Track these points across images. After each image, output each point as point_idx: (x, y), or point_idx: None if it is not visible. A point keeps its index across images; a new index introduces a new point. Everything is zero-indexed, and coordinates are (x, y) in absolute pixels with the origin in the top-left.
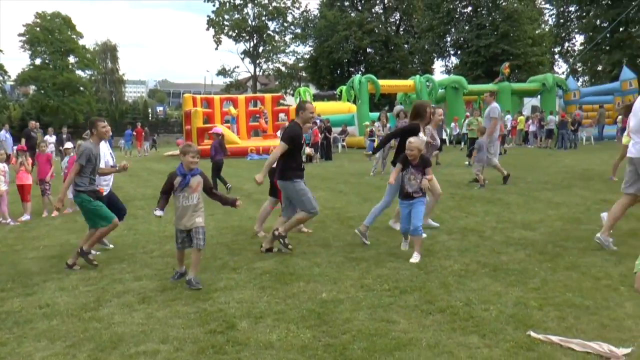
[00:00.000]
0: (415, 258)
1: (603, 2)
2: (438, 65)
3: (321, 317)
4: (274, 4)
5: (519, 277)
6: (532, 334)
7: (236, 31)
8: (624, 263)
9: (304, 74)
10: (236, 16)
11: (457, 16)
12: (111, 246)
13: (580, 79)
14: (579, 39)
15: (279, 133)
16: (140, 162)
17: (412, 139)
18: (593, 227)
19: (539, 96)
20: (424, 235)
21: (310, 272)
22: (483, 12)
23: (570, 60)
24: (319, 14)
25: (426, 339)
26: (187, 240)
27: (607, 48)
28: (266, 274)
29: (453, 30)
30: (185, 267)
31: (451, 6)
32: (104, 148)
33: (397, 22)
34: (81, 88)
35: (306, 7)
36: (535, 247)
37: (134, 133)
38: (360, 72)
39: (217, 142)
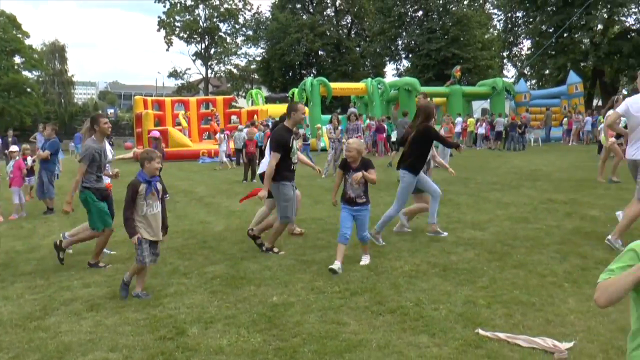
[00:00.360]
0: (364, 260)
1: (548, 8)
2: (390, 68)
3: (272, 321)
4: (225, 5)
5: (468, 277)
6: (481, 331)
7: (187, 32)
8: (568, 260)
9: (256, 76)
10: (187, 17)
11: (408, 20)
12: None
13: (528, 83)
14: (526, 43)
15: (218, 136)
16: None
17: (350, 140)
18: (540, 226)
19: (489, 99)
20: (383, 243)
21: (261, 275)
22: (433, 16)
23: (519, 64)
24: (270, 16)
25: (376, 339)
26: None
27: (553, 53)
28: (217, 279)
29: (404, 33)
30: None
31: (402, 10)
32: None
33: (349, 25)
34: (28, 89)
35: (257, 8)
36: (484, 247)
37: None
38: (312, 75)
39: (154, 146)
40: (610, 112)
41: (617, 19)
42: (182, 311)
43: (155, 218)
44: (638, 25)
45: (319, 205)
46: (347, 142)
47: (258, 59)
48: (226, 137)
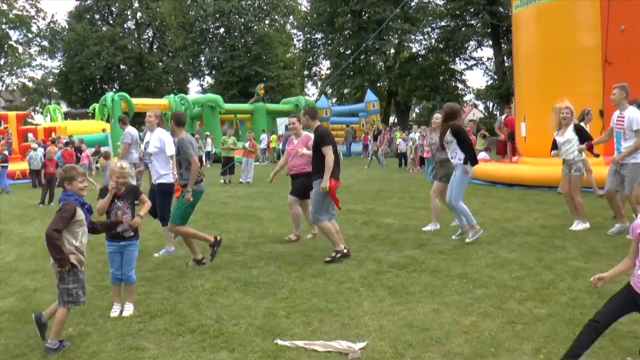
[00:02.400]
0: (128, 310)
1: (345, 32)
2: (193, 84)
3: (66, 355)
4: (15, 11)
5: (268, 289)
6: (279, 341)
7: None
8: (364, 266)
9: (54, 90)
10: None
11: (210, 37)
12: None
13: (330, 101)
14: (326, 64)
15: (30, 156)
16: None
17: (112, 164)
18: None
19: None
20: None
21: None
22: (235, 34)
23: (319, 83)
24: (67, 26)
25: None
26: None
27: (351, 73)
28: (5, 314)
29: (207, 50)
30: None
31: (204, 26)
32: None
33: (151, 39)
34: None
35: (53, 17)
36: (285, 259)
37: None
38: (114, 90)
39: None
40: (581, 124)
41: (406, 45)
42: None
43: (85, 251)
44: (423, 52)
45: None
46: (109, 168)
47: (55, 71)
48: None
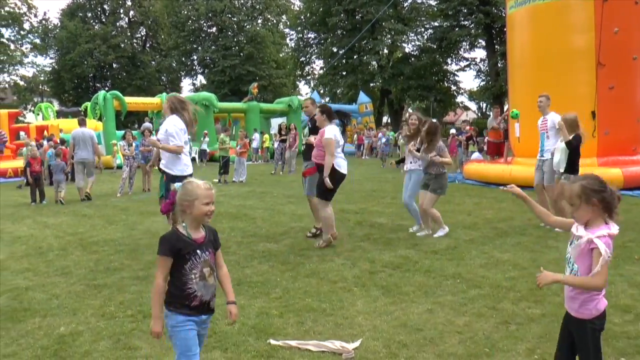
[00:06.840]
0: None
1: (338, 31)
2: (186, 83)
3: (57, 354)
4: (7, 8)
5: (262, 289)
6: (272, 341)
7: None
8: (358, 266)
9: (46, 89)
10: None
11: (203, 35)
12: None
13: (323, 100)
14: (319, 63)
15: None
16: None
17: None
18: None
19: (285, 117)
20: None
21: (47, 305)
22: (228, 33)
23: (312, 82)
24: (59, 24)
25: None
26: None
27: (344, 73)
28: None
29: (199, 49)
30: None
31: (196, 25)
32: None
33: (143, 38)
34: None
35: (45, 14)
36: (278, 258)
37: None
38: (106, 88)
39: None
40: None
41: (399, 45)
42: None
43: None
44: (416, 52)
45: (113, 226)
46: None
47: (47, 69)
48: None
